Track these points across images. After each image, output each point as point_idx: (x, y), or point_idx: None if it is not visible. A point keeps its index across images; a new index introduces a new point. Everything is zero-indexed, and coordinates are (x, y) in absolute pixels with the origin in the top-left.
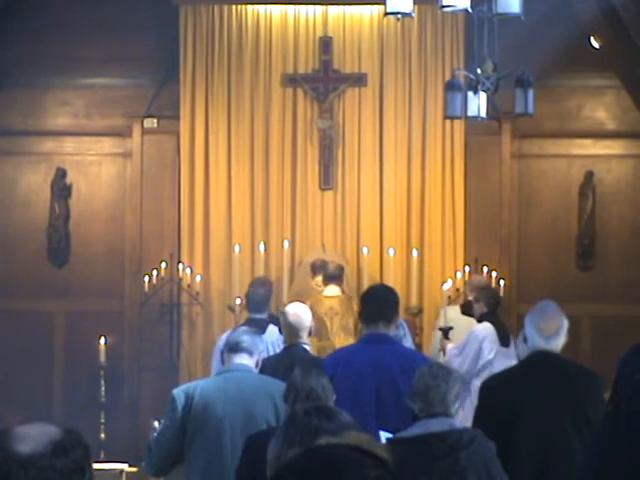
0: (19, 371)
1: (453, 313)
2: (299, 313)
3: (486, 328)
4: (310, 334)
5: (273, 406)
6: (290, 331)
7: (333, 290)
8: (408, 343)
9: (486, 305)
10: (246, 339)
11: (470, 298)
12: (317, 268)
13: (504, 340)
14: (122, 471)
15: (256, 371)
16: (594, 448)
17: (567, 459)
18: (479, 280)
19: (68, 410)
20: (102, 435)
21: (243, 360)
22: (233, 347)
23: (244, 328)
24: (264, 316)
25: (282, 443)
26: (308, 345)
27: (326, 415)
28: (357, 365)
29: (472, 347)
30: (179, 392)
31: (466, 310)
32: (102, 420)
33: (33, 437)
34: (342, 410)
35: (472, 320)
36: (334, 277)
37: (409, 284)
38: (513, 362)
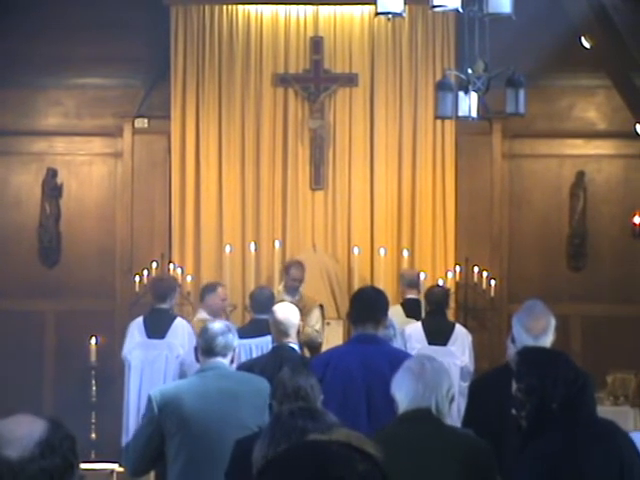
0: (9, 371)
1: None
2: (287, 312)
3: (412, 327)
4: (298, 333)
5: (253, 404)
6: (278, 330)
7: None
8: (398, 344)
9: (428, 304)
10: (218, 342)
11: (410, 296)
12: (290, 267)
13: (440, 339)
14: (113, 471)
15: (232, 367)
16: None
17: None
18: (411, 275)
19: (59, 410)
20: (93, 435)
21: (217, 359)
22: (205, 351)
23: (217, 329)
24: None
25: (268, 444)
26: (296, 344)
27: (311, 416)
28: (347, 366)
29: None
30: (156, 392)
31: (409, 311)
32: (93, 420)
33: (20, 439)
34: (328, 411)
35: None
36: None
37: (398, 283)
38: (445, 360)
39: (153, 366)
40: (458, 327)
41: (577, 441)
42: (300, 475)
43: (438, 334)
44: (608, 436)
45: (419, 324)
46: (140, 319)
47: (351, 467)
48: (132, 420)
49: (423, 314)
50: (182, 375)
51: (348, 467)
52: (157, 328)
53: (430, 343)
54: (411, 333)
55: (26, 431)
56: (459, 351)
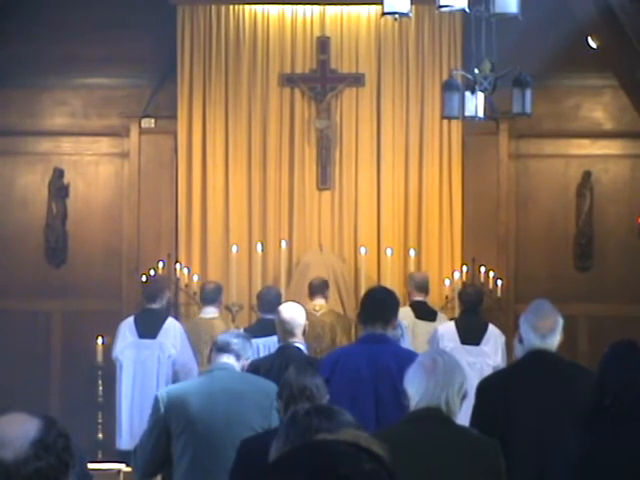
0: (16, 371)
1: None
2: (293, 312)
3: (445, 327)
4: (304, 333)
5: (259, 405)
6: (284, 330)
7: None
8: (406, 344)
9: (462, 304)
10: (237, 342)
11: (418, 299)
12: (315, 288)
13: (474, 338)
14: (119, 471)
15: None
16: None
17: (564, 458)
18: (421, 278)
19: (65, 410)
20: (100, 435)
21: (228, 360)
22: (222, 347)
23: (237, 331)
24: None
25: (283, 444)
26: (302, 344)
27: (326, 415)
28: (355, 365)
29: (432, 344)
30: (162, 393)
31: (418, 313)
32: (99, 420)
33: (14, 441)
34: (343, 410)
35: (426, 323)
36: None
37: (407, 284)
38: (477, 360)
39: (145, 366)
40: (491, 327)
41: None
42: (306, 474)
43: (471, 334)
44: None
45: (452, 324)
46: (131, 319)
47: (358, 466)
48: (125, 420)
49: (438, 315)
50: (175, 375)
51: (355, 466)
52: (148, 328)
53: (463, 342)
54: (444, 333)
55: (20, 432)
56: (492, 351)
